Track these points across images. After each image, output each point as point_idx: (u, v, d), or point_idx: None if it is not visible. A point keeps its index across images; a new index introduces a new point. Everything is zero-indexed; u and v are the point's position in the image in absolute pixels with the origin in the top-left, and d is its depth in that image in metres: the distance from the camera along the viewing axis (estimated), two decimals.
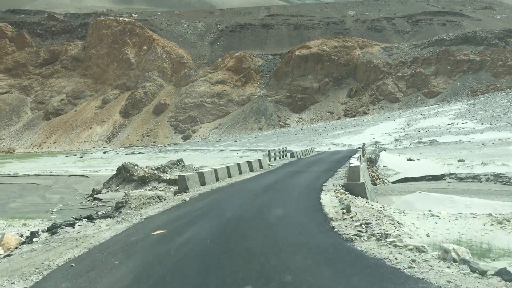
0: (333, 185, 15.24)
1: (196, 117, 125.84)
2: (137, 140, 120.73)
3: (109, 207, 16.50)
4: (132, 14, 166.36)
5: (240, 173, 20.80)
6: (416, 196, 19.86)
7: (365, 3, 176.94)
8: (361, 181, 14.83)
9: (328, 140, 62.26)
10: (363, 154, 26.14)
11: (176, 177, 19.38)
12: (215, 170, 18.34)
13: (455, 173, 26.51)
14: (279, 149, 32.59)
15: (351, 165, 15.54)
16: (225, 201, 12.72)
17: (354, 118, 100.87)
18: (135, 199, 13.86)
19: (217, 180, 17.94)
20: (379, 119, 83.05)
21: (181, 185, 15.70)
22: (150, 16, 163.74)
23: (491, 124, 54.10)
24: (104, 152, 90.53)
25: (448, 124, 58.06)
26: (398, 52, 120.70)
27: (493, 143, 37.75)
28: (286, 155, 32.93)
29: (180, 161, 31.80)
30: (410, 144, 40.76)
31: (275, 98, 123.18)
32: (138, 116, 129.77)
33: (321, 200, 11.93)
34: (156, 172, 26.61)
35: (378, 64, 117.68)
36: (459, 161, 29.48)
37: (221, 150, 63.87)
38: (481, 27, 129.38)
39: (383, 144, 46.40)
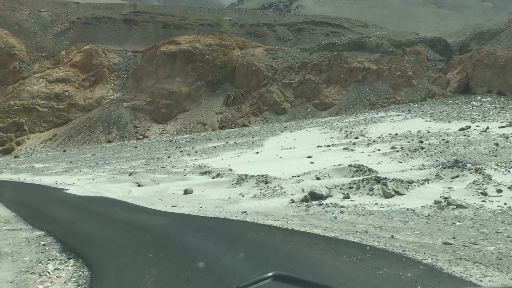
0: None
1: (24, 125, 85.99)
2: None
3: None
4: None
5: None
6: None
7: (242, 11, 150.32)
8: None
9: (192, 159, 30.54)
10: None
11: None
12: None
13: None
14: None
15: None
16: None
17: (234, 130, 70.51)
18: None
19: None
20: (273, 130, 53.85)
21: None
22: None
23: None
24: None
25: (462, 129, 30.25)
26: (284, 56, 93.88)
27: None
28: None
29: None
30: None
31: (132, 103, 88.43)
32: None
33: None
34: None
35: (261, 67, 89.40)
36: None
37: None
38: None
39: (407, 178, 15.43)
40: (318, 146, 30.74)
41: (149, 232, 9.52)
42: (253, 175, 19.45)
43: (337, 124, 49.77)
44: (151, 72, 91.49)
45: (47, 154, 57.02)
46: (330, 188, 14.42)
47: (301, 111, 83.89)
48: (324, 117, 74.64)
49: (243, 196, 16.01)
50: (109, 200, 17.02)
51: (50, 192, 20.93)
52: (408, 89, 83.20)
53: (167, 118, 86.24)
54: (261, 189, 16.55)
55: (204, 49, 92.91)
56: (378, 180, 14.05)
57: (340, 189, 14.38)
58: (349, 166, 18.05)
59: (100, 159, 42.53)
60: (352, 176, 16.53)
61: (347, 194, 13.79)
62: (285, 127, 55.75)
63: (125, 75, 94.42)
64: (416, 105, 70.58)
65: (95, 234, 9.50)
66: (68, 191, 20.64)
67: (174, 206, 14.85)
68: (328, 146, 30.47)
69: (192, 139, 57.10)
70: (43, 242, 8.59)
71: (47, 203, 16.40)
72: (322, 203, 12.61)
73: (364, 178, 14.78)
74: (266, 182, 17.82)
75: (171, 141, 59.09)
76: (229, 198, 15.92)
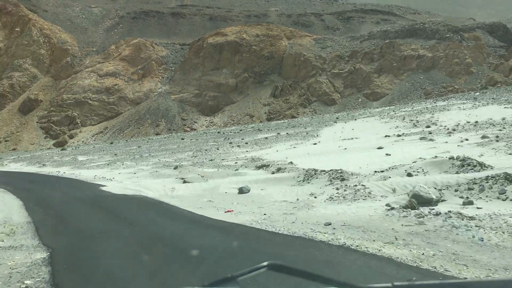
0: None
1: (77, 118, 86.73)
2: None
3: None
4: None
5: None
6: None
7: (288, 1, 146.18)
8: None
9: (242, 151, 27.88)
10: None
11: None
12: None
13: None
14: None
15: None
16: None
17: (283, 121, 67.32)
18: None
19: None
20: (324, 120, 50.31)
21: None
22: None
23: None
24: None
25: None
26: (333, 45, 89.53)
27: None
28: None
29: None
30: None
31: (180, 96, 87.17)
32: None
33: None
34: None
35: (310, 57, 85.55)
36: None
37: None
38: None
39: None
40: (386, 136, 27.18)
41: (194, 269, 6.12)
42: (324, 170, 15.67)
43: (394, 113, 45.55)
44: (198, 64, 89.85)
45: (94, 147, 56.14)
46: (440, 190, 10.54)
47: (351, 102, 79.63)
48: (377, 107, 70.02)
49: (315, 197, 12.53)
50: (148, 201, 14.22)
51: (85, 188, 18.66)
52: (466, 77, 77.00)
53: (214, 110, 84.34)
54: (337, 188, 12.95)
55: (251, 40, 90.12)
56: (509, 178, 10.11)
57: (456, 190, 10.53)
58: (450, 159, 14.01)
59: (145, 151, 40.76)
60: (457, 172, 12.56)
61: (468, 198, 9.97)
62: (337, 118, 52.05)
63: (173, 68, 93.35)
64: (477, 93, 64.55)
65: (110, 269, 6.42)
66: (104, 188, 18.24)
67: (228, 211, 11.69)
68: (399, 135, 26.89)
69: (240, 130, 54.56)
70: (29, 281, 5.82)
71: (75, 204, 13.94)
72: (439, 212, 8.89)
73: (487, 176, 10.59)
74: (343, 179, 14.28)
75: (218, 132, 56.95)
76: (297, 200, 12.52)
